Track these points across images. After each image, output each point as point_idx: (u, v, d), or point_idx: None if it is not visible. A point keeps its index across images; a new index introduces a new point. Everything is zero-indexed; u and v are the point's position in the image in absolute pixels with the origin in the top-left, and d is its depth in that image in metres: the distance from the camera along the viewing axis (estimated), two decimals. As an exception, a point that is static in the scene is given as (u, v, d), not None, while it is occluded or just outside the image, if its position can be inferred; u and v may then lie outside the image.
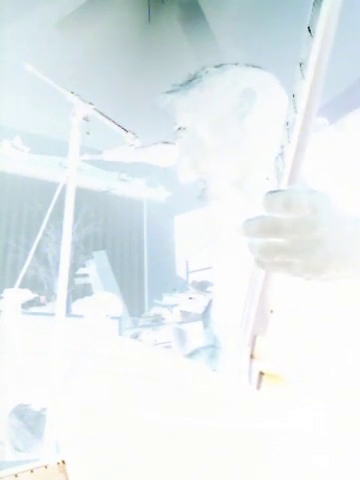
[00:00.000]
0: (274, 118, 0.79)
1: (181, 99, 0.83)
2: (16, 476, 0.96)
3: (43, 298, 3.41)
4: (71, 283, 3.72)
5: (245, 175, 0.81)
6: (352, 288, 0.56)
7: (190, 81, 0.84)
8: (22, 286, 1.99)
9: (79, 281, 4.02)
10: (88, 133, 1.35)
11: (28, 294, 2.58)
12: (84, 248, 4.14)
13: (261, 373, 0.54)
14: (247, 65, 0.85)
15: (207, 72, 0.84)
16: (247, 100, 0.80)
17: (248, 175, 0.81)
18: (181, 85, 0.85)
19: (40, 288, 3.72)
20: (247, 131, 0.80)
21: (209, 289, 3.22)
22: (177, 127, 0.85)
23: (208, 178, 0.83)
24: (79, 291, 3.85)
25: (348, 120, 0.70)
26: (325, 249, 0.46)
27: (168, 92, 0.85)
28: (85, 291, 3.85)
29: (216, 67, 0.85)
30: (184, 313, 3.17)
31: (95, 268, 4.13)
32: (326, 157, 0.69)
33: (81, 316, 2.82)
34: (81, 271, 4.08)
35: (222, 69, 0.84)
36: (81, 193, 1.54)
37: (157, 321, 3.28)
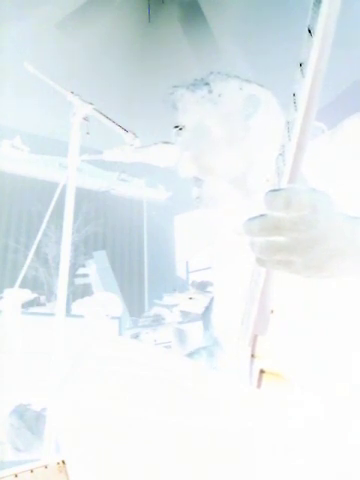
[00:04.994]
0: (275, 127, 0.82)
1: (190, 94, 0.87)
2: (16, 476, 0.96)
3: (43, 298, 3.41)
4: (71, 283, 3.73)
5: (245, 173, 0.83)
6: (351, 286, 0.57)
7: (198, 83, 0.88)
8: (22, 286, 1.99)
9: (79, 281, 4.03)
10: (88, 133, 1.35)
11: (28, 294, 2.59)
12: (84, 248, 4.15)
13: (262, 371, 0.54)
14: (249, 81, 0.89)
15: (214, 76, 0.88)
16: (252, 104, 0.84)
17: (248, 173, 0.83)
18: (190, 84, 0.89)
19: (40, 288, 3.71)
20: (251, 131, 0.84)
21: (209, 289, 3.22)
22: (178, 128, 0.87)
23: (207, 175, 0.84)
24: (79, 291, 3.85)
25: (346, 125, 0.70)
26: (324, 247, 0.46)
27: (177, 87, 0.89)
28: (85, 291, 3.85)
29: (222, 74, 0.90)
30: (184, 313, 3.16)
31: (95, 268, 4.13)
32: (324, 162, 0.69)
33: (81, 316, 2.82)
34: (81, 271, 4.09)
35: (227, 76, 0.89)
36: (81, 193, 1.55)
37: (157, 321, 3.28)
